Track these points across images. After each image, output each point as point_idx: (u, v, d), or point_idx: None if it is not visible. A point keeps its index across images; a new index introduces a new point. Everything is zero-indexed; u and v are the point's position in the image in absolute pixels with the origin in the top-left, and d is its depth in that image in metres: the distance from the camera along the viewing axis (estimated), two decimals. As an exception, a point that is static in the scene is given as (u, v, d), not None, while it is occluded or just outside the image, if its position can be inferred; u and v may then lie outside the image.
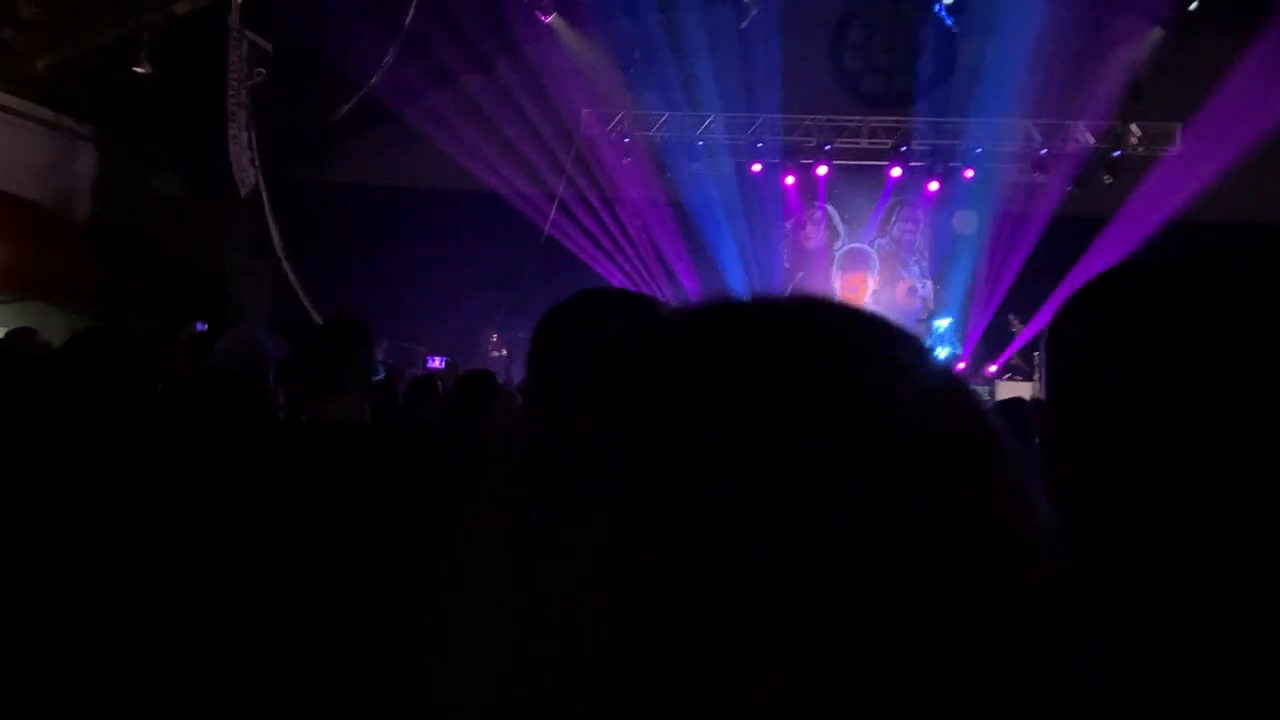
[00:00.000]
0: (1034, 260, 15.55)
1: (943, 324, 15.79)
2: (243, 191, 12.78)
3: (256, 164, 12.93)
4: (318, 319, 13.50)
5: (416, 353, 13.46)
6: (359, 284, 13.71)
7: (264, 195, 13.26)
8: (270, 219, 13.62)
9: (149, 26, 11.91)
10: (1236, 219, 13.59)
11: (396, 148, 16.02)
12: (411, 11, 12.99)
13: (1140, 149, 14.87)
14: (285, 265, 13.94)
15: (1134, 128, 14.82)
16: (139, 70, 11.80)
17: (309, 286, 14.06)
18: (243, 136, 12.67)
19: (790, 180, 16.59)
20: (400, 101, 14.93)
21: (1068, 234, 15.24)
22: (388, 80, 13.86)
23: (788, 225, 17.04)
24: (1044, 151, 15.39)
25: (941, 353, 15.73)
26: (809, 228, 17.07)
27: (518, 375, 9.67)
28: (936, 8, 13.90)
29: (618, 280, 16.24)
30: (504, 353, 15.16)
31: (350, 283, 13.65)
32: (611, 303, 1.44)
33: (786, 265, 17.06)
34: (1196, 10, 12.55)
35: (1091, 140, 15.09)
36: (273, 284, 14.45)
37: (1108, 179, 15.10)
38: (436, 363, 12.47)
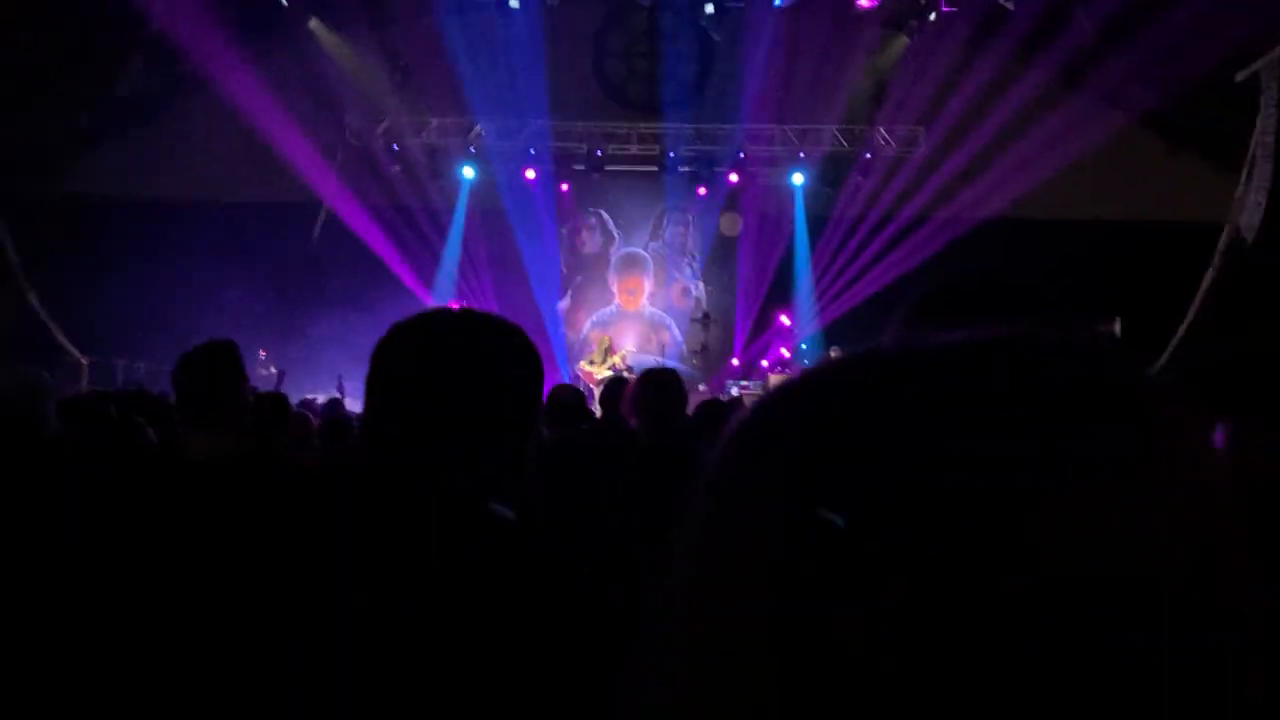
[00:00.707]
0: (795, 258, 16.44)
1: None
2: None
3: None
4: (74, 352, 12.53)
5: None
6: (114, 306, 12.81)
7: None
8: (5, 238, 12.50)
9: None
10: (984, 214, 14.84)
11: (147, 158, 15.07)
12: (158, 14, 12.28)
13: (888, 150, 15.92)
14: (26, 290, 12.81)
15: (882, 130, 15.86)
16: None
17: (55, 313, 12.99)
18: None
19: (564, 186, 16.76)
20: (150, 109, 14.06)
21: (825, 232, 16.20)
22: (136, 86, 13.02)
23: (564, 230, 17.21)
24: (802, 156, 16.22)
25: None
26: (584, 233, 17.31)
27: (293, 395, 9.30)
28: (697, 18, 14.39)
29: (391, 288, 15.91)
30: (271, 370, 14.51)
31: (104, 305, 12.73)
32: (466, 323, 1.42)
33: (564, 270, 17.23)
34: (938, 20, 13.54)
35: (845, 144, 16.04)
36: (15, 312, 13.20)
37: (860, 179, 16.08)
38: None
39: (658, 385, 3.74)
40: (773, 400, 0.50)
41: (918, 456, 0.42)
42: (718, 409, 4.61)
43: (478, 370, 1.35)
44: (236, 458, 2.55)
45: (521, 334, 1.44)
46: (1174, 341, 12.34)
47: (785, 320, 15.61)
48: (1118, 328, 13.12)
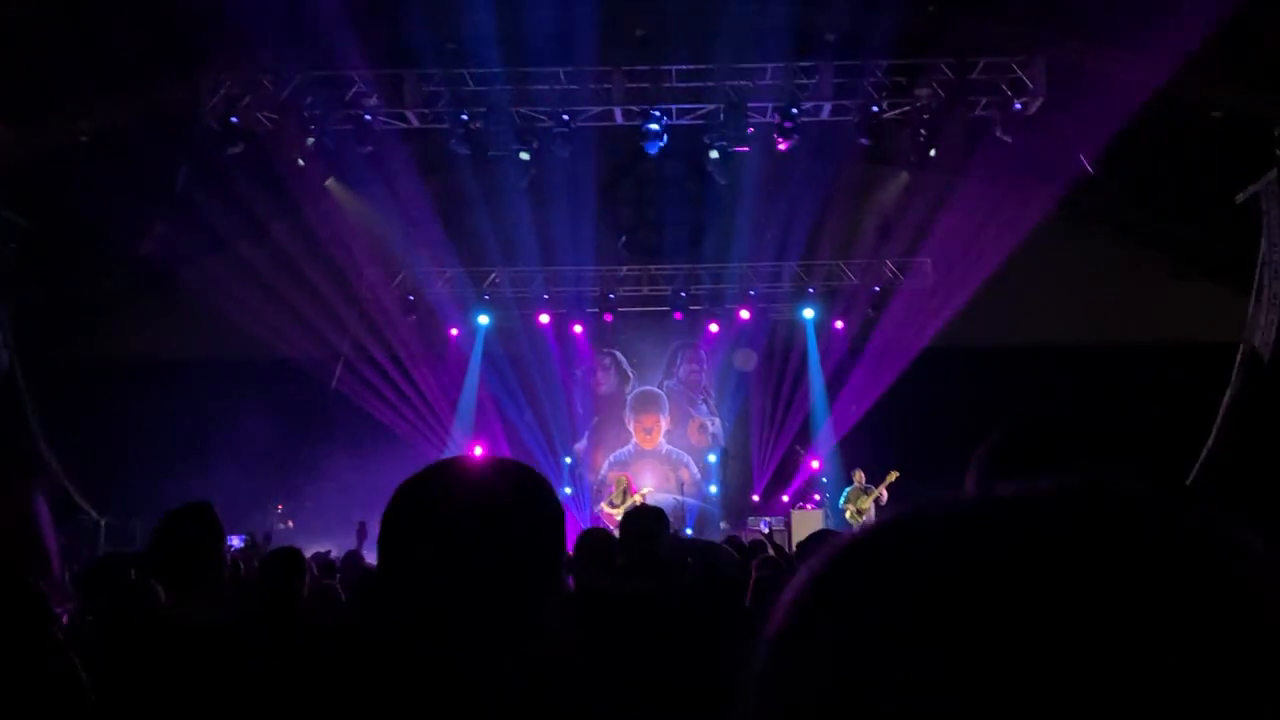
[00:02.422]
0: (811, 391, 16.47)
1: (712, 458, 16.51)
2: (-5, 376, 11.84)
3: (9, 345, 12.06)
4: (93, 514, 12.51)
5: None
6: (133, 466, 12.85)
7: (19, 378, 12.31)
8: (28, 404, 12.58)
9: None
10: (986, 342, 14.90)
11: (170, 318, 15.37)
12: (182, 178, 12.70)
13: (897, 282, 16.13)
14: (46, 454, 12.84)
15: (888, 262, 16.10)
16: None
17: (75, 475, 13.00)
18: (-8, 316, 11.84)
19: (578, 329, 16.97)
20: (173, 270, 14.41)
21: (839, 364, 16.26)
22: (159, 249, 13.37)
23: (579, 372, 17.33)
24: (811, 291, 16.44)
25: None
26: (600, 373, 17.43)
27: (308, 549, 9.21)
28: (703, 163, 14.81)
29: (409, 435, 15.96)
30: (289, 524, 14.43)
31: (124, 465, 12.77)
32: (471, 473, 1.39)
33: (580, 410, 17.27)
34: (937, 155, 13.89)
35: (853, 278, 16.27)
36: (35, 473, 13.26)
37: (871, 312, 16.24)
38: (235, 541, 11.61)
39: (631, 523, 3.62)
40: (844, 559, 0.47)
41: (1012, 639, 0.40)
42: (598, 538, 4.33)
43: (497, 522, 1.31)
44: (229, 620, 2.50)
45: (540, 480, 1.40)
46: (1200, 461, 12.18)
47: (815, 464, 15.51)
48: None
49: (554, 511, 1.37)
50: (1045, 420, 1.49)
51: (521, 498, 1.35)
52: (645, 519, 3.58)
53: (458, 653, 1.24)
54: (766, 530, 12.71)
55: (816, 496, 15.20)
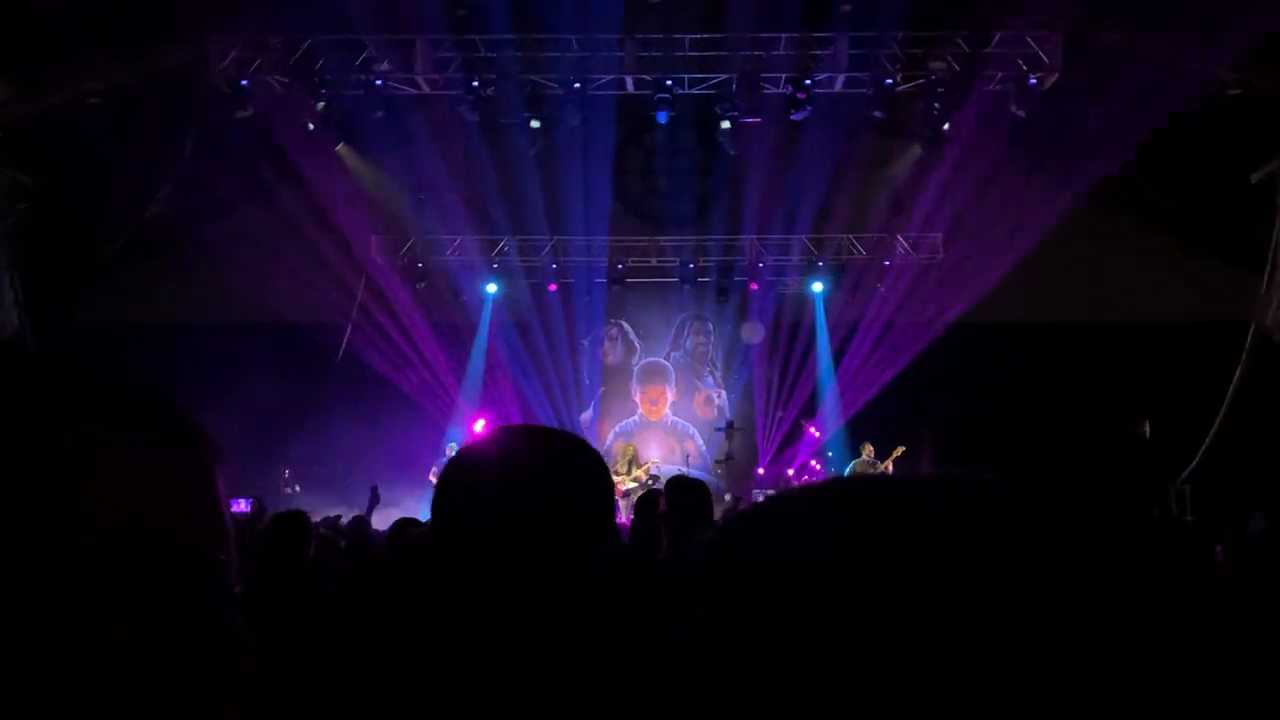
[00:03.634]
0: (818, 365, 16.45)
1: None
2: (3, 336, 11.86)
3: (20, 304, 12.09)
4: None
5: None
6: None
7: (29, 340, 12.34)
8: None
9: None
10: (995, 319, 14.85)
11: (177, 281, 15.37)
12: (190, 142, 12.65)
13: (907, 257, 16.06)
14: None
15: (901, 239, 16.02)
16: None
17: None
18: (2, 279, 11.84)
19: (586, 299, 16.95)
20: (181, 234, 14.39)
21: (846, 338, 16.24)
22: (166, 212, 13.35)
23: (585, 343, 17.33)
24: (820, 264, 16.38)
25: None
26: (607, 344, 17.43)
27: (317, 513, 9.26)
28: (713, 133, 14.71)
29: (416, 402, 16.00)
30: (297, 489, 14.49)
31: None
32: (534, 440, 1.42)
33: (586, 381, 17.28)
34: (951, 129, 13.79)
35: (863, 252, 16.20)
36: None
37: (880, 287, 16.17)
38: (242, 505, 11.64)
39: (683, 493, 3.71)
40: (744, 524, 0.54)
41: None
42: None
43: (556, 494, 1.33)
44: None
45: (592, 452, 1.42)
46: (1206, 442, 12.18)
47: (815, 432, 15.50)
48: (1147, 429, 12.97)
49: (603, 481, 1.40)
50: (990, 399, 1.53)
51: (572, 467, 1.37)
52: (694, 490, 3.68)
53: (505, 616, 1.25)
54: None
55: (815, 464, 15.23)
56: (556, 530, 1.30)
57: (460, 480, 1.35)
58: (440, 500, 1.34)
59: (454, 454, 1.41)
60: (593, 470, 1.38)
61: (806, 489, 0.54)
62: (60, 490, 0.55)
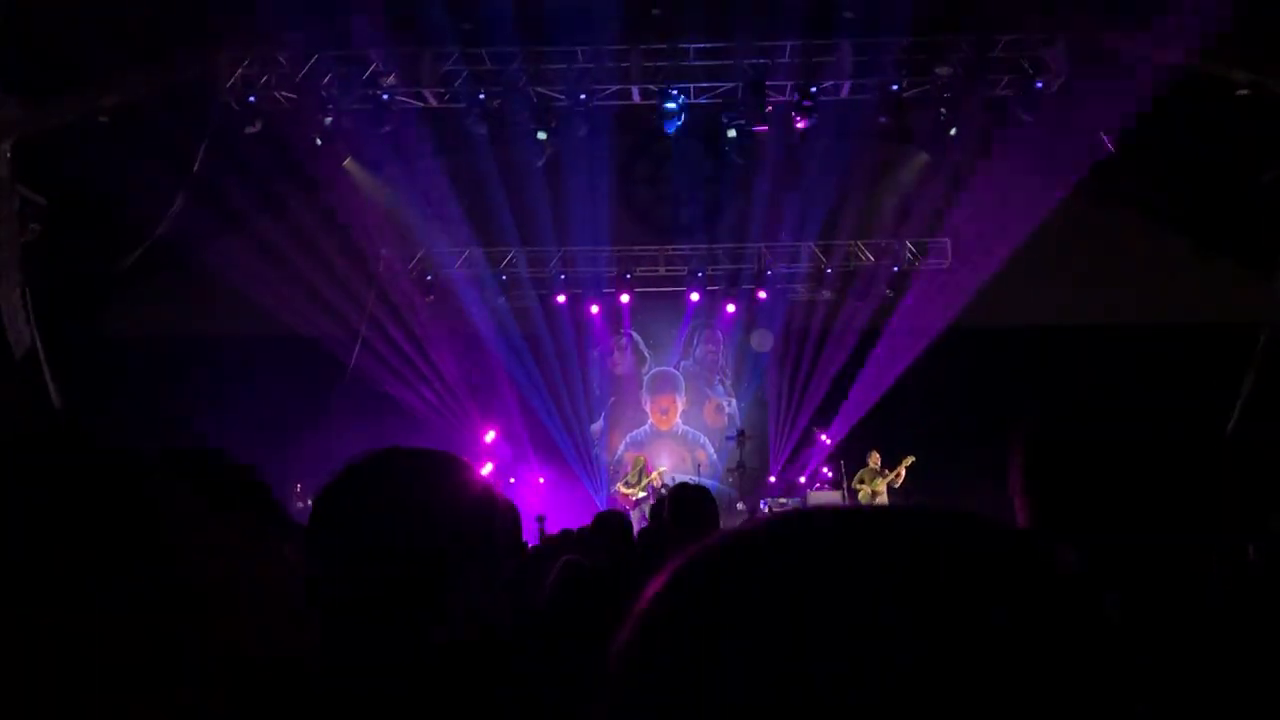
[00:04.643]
0: (828, 372, 16.41)
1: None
2: (17, 353, 11.90)
3: (32, 322, 12.14)
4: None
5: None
6: (152, 443, 12.92)
7: (41, 356, 12.38)
8: (50, 383, 12.67)
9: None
10: (1006, 323, 14.81)
11: (187, 296, 15.43)
12: (201, 155, 12.72)
13: (916, 263, 16.05)
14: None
15: (909, 244, 16.01)
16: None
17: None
18: (14, 295, 11.88)
19: (595, 310, 16.96)
20: (191, 248, 14.44)
21: (856, 345, 16.21)
22: (177, 226, 13.42)
23: (595, 353, 17.34)
24: (829, 271, 16.36)
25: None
26: (616, 354, 17.44)
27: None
28: (719, 143, 14.73)
29: (426, 416, 16.03)
30: (309, 504, 14.49)
31: (143, 442, 12.83)
32: (404, 463, 1.39)
33: (597, 391, 17.29)
34: (956, 135, 13.77)
35: (871, 258, 16.18)
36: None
37: (889, 293, 16.15)
38: None
39: (688, 503, 3.70)
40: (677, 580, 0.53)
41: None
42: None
43: (414, 513, 1.31)
44: None
45: (465, 469, 1.40)
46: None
47: (825, 439, 15.47)
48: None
49: (476, 501, 1.37)
50: (1087, 410, 1.43)
51: (441, 489, 1.36)
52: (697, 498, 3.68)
53: (376, 642, 1.24)
54: (766, 510, 12.81)
55: (826, 472, 15.21)
56: (423, 552, 1.29)
57: (334, 506, 1.34)
58: (315, 525, 1.33)
59: (329, 478, 1.39)
60: (469, 487, 1.37)
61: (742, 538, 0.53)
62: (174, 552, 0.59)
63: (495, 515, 1.40)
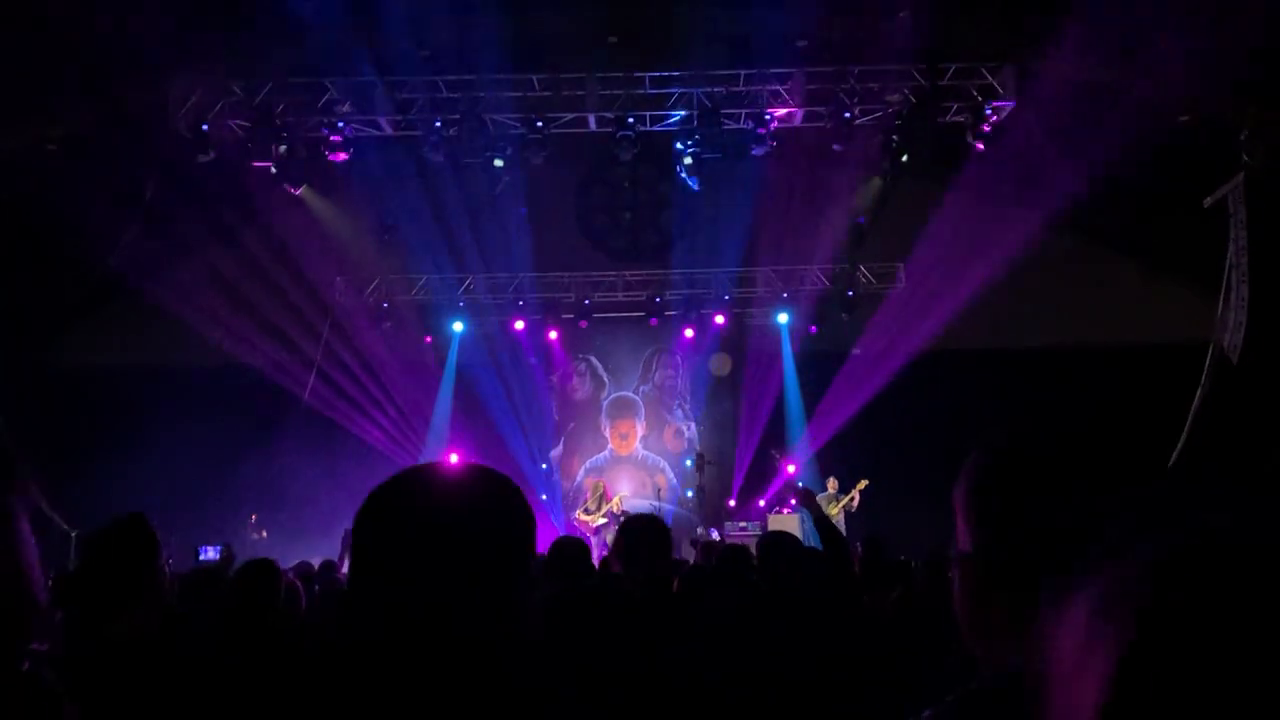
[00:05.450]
0: (788, 396, 16.51)
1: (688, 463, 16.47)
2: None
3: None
4: (63, 525, 12.36)
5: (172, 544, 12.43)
6: (102, 476, 12.70)
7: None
8: (-4, 412, 12.41)
9: None
10: (959, 346, 14.99)
11: (136, 326, 15.22)
12: (151, 187, 12.58)
13: (870, 287, 16.21)
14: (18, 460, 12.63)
15: (862, 269, 16.17)
16: None
17: (43, 484, 12.82)
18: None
19: (554, 335, 16.94)
20: (142, 278, 14.26)
21: (815, 370, 16.32)
22: (129, 256, 13.24)
23: (554, 378, 17.31)
24: (785, 295, 16.49)
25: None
26: (575, 379, 17.42)
27: (283, 560, 9.12)
28: (677, 169, 14.84)
29: (380, 443, 15.89)
30: (263, 534, 14.28)
31: (90, 476, 12.62)
32: (445, 480, 1.39)
33: (556, 417, 17.25)
34: (908, 162, 13.95)
35: (826, 283, 16.33)
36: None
37: (844, 316, 16.29)
38: (210, 553, 11.39)
39: (635, 532, 3.72)
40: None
41: None
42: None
43: (466, 527, 1.31)
44: (156, 638, 2.47)
45: (510, 485, 1.41)
46: (1170, 463, 12.28)
47: (791, 468, 15.54)
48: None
49: (523, 515, 1.38)
50: (1034, 439, 1.41)
51: (490, 502, 1.36)
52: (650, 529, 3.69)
53: (427, 659, 1.24)
54: (716, 537, 12.91)
55: (794, 501, 15.22)
56: (472, 568, 1.29)
57: (371, 521, 1.34)
58: (355, 542, 1.33)
59: (370, 495, 1.39)
60: (512, 501, 1.38)
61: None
62: None
63: (532, 534, 1.41)
